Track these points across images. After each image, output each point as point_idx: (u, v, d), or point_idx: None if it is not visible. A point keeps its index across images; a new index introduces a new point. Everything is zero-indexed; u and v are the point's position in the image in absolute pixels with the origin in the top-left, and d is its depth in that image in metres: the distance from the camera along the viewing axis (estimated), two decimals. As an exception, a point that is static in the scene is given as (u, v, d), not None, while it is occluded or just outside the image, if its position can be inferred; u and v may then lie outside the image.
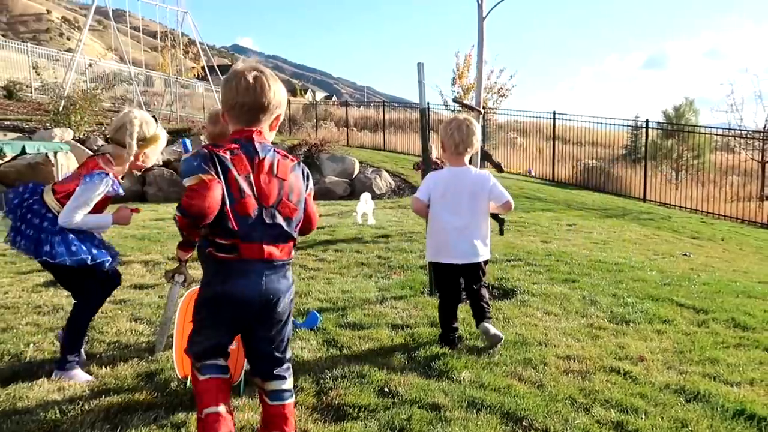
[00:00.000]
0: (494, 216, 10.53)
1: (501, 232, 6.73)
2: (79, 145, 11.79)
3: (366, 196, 8.11)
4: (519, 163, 18.61)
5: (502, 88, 20.89)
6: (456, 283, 3.02)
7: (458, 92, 21.03)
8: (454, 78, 21.07)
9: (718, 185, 15.55)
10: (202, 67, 25.98)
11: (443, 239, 2.95)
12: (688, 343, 3.07)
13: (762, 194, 12.91)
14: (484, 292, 3.06)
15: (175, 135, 13.57)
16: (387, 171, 13.00)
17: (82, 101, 12.63)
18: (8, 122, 12.58)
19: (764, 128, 15.43)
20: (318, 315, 3.21)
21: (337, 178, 12.11)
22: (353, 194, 11.82)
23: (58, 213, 2.53)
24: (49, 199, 2.61)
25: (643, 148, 15.49)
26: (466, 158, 3.01)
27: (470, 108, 4.21)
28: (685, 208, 13.52)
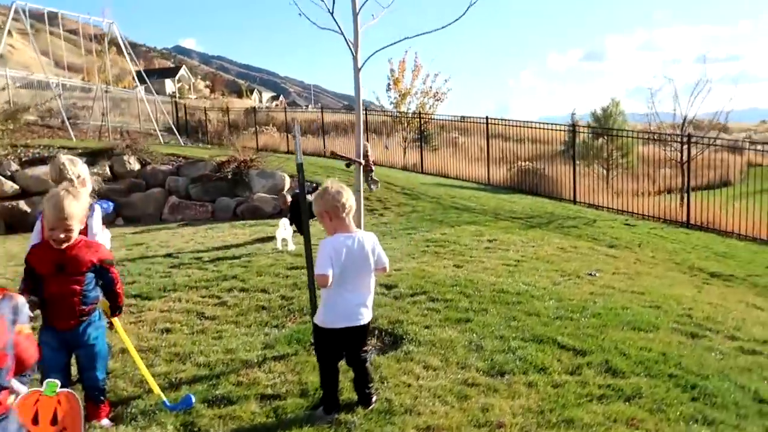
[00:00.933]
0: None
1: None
2: (-10, 171, 11.26)
3: (284, 222, 8.02)
4: (458, 166, 18.74)
5: (437, 92, 21.06)
6: (342, 348, 3.07)
7: (395, 97, 21.10)
8: (389, 84, 21.11)
9: (644, 180, 16.09)
10: (133, 76, 25.18)
11: (342, 307, 2.98)
12: (554, 398, 3.12)
13: (683, 193, 13.40)
14: (369, 361, 3.15)
15: (98, 154, 13.12)
16: (319, 184, 12.87)
17: (-6, 123, 12.04)
18: None
19: (682, 129, 16.03)
20: (192, 398, 3.09)
21: (266, 195, 11.94)
22: (282, 212, 11.67)
23: None
24: None
25: (573, 151, 15.87)
26: (351, 218, 3.01)
27: (350, 160, 4.16)
28: (613, 209, 13.92)
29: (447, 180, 17.52)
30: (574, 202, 14.75)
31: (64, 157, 3.47)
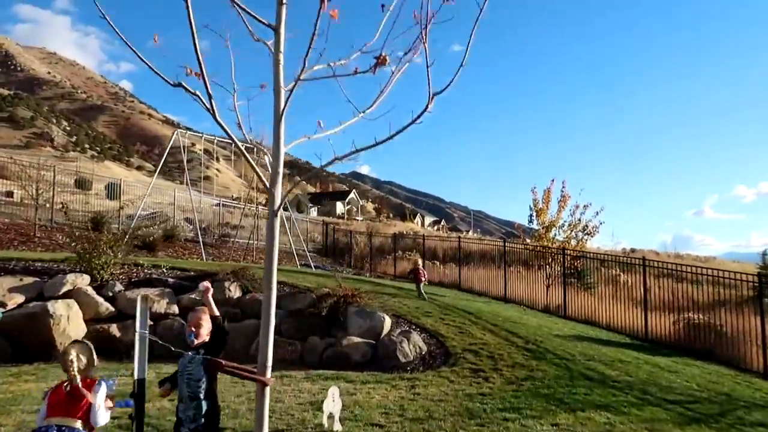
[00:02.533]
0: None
1: None
2: (89, 292, 11.05)
3: (334, 392, 6.22)
4: (610, 311, 15.67)
5: (587, 225, 18.56)
6: None
7: (538, 229, 18.96)
8: (531, 215, 19.12)
9: None
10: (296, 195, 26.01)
11: None
12: None
13: None
14: None
15: (202, 278, 12.59)
16: (424, 329, 11.01)
17: (108, 243, 12.12)
18: (39, 264, 12.24)
19: None
20: None
21: (359, 339, 10.30)
22: (375, 362, 9.91)
23: None
24: None
25: (761, 306, 12.31)
26: None
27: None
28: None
29: (592, 330, 14.61)
30: (766, 376, 11.12)
31: (73, 353, 3.87)
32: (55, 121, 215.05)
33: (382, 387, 8.05)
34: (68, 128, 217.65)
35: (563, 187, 18.94)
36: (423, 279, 15.29)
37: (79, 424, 3.71)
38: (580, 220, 18.55)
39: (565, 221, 18.79)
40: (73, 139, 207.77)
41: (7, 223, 19.61)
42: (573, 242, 18.49)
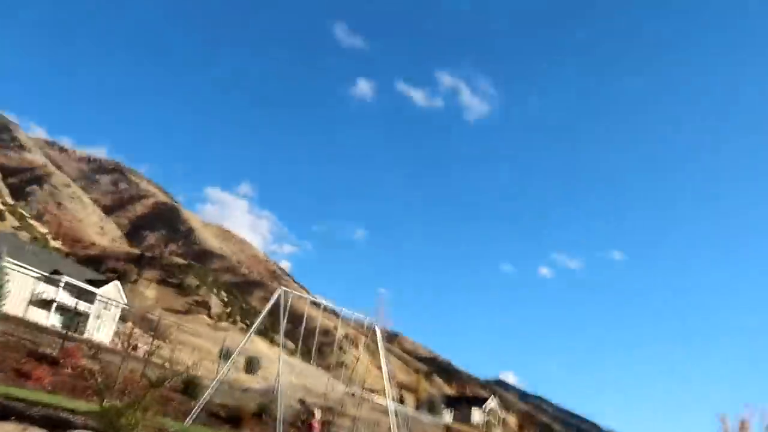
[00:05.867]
0: None
1: None
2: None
3: None
4: None
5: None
6: None
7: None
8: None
9: None
10: (390, 389, 22.59)
11: None
12: None
13: None
14: None
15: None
16: None
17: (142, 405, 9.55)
18: (63, 414, 9.88)
19: None
20: None
21: None
22: None
23: None
24: None
25: None
26: None
27: None
28: None
29: None
30: None
31: None
32: (215, 291, 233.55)
33: None
34: (225, 299, 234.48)
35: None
36: None
37: None
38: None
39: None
40: (228, 310, 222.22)
41: (95, 371, 18.39)
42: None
